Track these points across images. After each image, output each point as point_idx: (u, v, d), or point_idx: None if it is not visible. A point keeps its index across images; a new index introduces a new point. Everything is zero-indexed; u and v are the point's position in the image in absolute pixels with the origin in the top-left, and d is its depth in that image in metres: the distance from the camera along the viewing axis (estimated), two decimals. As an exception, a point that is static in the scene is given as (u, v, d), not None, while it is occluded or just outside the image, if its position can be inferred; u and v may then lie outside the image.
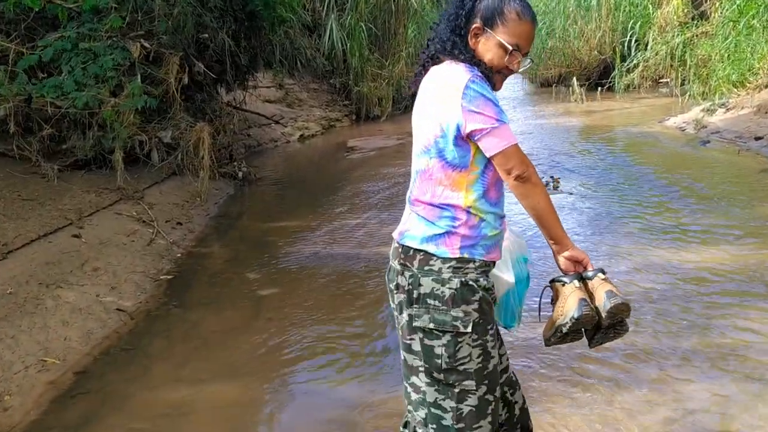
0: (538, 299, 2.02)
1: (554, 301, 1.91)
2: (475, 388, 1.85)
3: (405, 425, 2.11)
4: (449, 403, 1.86)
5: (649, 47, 14.76)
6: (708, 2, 13.68)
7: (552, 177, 7.45)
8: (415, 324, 1.86)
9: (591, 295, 1.85)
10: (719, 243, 5.05)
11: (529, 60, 1.94)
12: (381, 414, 3.01)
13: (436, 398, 1.88)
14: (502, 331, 2.14)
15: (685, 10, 14.56)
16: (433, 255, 1.83)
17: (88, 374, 3.50)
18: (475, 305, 1.82)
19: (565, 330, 1.84)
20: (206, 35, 7.34)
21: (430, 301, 1.83)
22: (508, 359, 2.14)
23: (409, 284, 1.86)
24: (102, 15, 6.26)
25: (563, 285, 1.87)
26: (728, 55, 10.75)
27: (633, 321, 3.78)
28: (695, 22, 13.71)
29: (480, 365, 1.85)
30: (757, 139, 8.48)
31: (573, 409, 2.96)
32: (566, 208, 6.37)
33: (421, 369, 1.90)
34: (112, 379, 3.47)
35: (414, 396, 1.95)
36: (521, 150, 1.82)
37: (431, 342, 1.85)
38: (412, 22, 14.38)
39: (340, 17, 13.45)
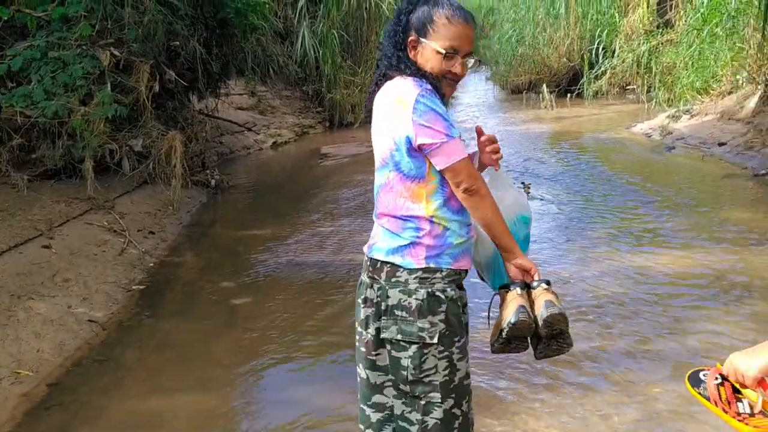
0: (488, 306, 2.03)
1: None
2: (440, 400, 1.85)
3: None
4: (415, 416, 1.87)
5: (616, 55, 15.05)
6: (672, 11, 14.00)
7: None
8: (383, 336, 1.87)
9: (533, 304, 1.87)
10: (685, 247, 5.18)
11: (473, 60, 1.95)
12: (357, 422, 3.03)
13: (403, 411, 1.89)
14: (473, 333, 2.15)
15: (651, 19, 14.87)
16: (400, 266, 1.86)
17: (61, 386, 3.46)
18: (442, 316, 1.84)
19: (504, 335, 1.85)
20: (177, 43, 7.31)
21: (398, 313, 1.84)
22: None
23: (377, 297, 1.88)
24: (71, 23, 6.20)
25: (507, 292, 1.90)
26: (692, 63, 11.01)
27: (606, 322, 3.89)
28: (660, 30, 14.01)
29: (446, 378, 1.85)
30: (721, 144, 8.70)
31: (544, 411, 3.02)
32: (537, 213, 6.47)
33: (388, 384, 1.90)
34: (85, 390, 3.44)
35: (375, 417, 1.94)
36: (470, 164, 1.85)
37: (398, 354, 1.86)
38: (384, 29, 14.43)
39: (312, 25, 13.47)
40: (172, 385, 3.50)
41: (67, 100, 5.82)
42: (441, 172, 1.83)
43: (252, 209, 7.61)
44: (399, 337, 1.85)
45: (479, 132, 2.04)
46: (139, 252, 5.39)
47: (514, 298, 1.86)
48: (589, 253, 5.19)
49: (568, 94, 15.70)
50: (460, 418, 1.89)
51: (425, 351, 1.83)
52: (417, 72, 1.86)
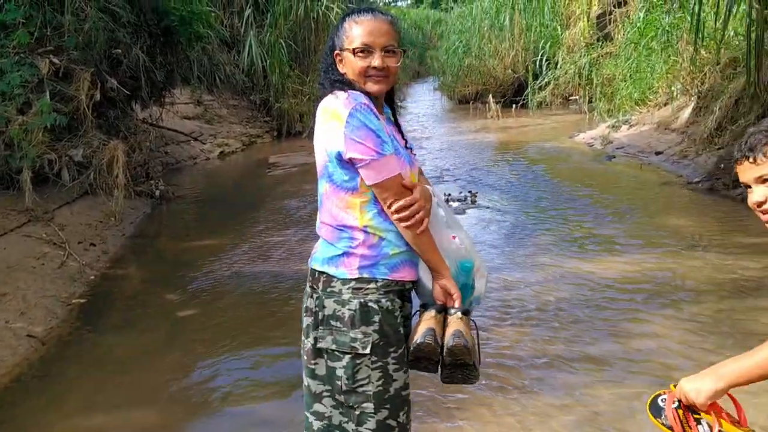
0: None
1: None
2: (373, 411, 1.84)
3: None
4: (351, 426, 1.87)
5: (559, 66, 15.45)
6: (611, 24, 14.47)
7: (470, 192, 7.68)
8: (319, 345, 1.87)
9: (445, 329, 1.87)
10: (625, 253, 5.35)
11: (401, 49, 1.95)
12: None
13: (341, 421, 1.89)
14: None
15: (591, 32, 15.33)
16: (334, 276, 1.86)
17: (-2, 404, 3.34)
18: (375, 326, 1.83)
19: (410, 354, 1.87)
20: (119, 51, 7.16)
21: (333, 323, 1.85)
22: None
23: (315, 306, 1.89)
24: (9, 30, 6.01)
25: (424, 311, 1.92)
26: (630, 75, 11.41)
27: (551, 327, 3.98)
28: (600, 43, 14.46)
29: (380, 388, 1.84)
30: (657, 153, 9.04)
31: (490, 415, 3.07)
32: (483, 221, 6.59)
33: (326, 393, 1.90)
34: (24, 407, 3.33)
35: (317, 425, 1.93)
36: (400, 182, 1.85)
37: (333, 363, 1.86)
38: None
39: (259, 33, 13.40)
40: (115, 401, 3.42)
41: (4, 110, 5.64)
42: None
43: (198, 220, 7.50)
44: (333, 347, 1.85)
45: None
46: (80, 265, 5.25)
47: (427, 319, 1.88)
48: (533, 259, 5.30)
49: (514, 105, 16.04)
50: (396, 429, 1.88)
51: (358, 361, 1.83)
52: (349, 84, 1.89)
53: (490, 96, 15.93)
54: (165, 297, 4.85)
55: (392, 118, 2.07)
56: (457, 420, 3.00)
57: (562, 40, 15.72)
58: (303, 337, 1.95)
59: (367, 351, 1.83)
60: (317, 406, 1.92)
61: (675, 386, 1.57)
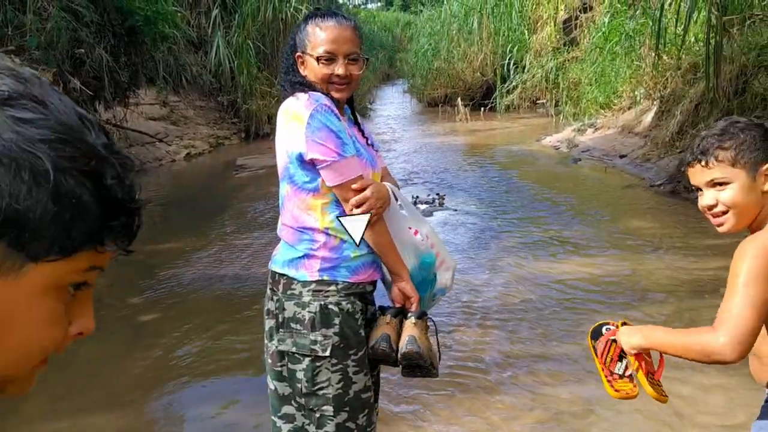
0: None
1: None
2: (333, 413, 1.84)
3: None
4: (312, 428, 1.87)
5: (526, 70, 15.65)
6: (577, 29, 14.71)
7: (438, 194, 7.72)
8: (280, 348, 1.87)
9: (401, 333, 1.89)
10: (588, 255, 5.44)
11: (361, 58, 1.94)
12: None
13: (303, 423, 1.88)
14: None
15: (558, 37, 15.56)
16: (294, 279, 1.86)
17: (-49, 413, 3.26)
18: (336, 329, 1.83)
19: (369, 356, 1.89)
20: (82, 50, 7.07)
21: (293, 325, 1.84)
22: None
23: (276, 309, 1.88)
24: (-34, 28, 5.90)
25: (381, 315, 1.93)
26: (596, 79, 11.61)
27: (514, 329, 4.03)
28: (566, 47, 14.69)
29: (339, 391, 1.84)
30: (621, 157, 9.20)
31: (452, 416, 3.09)
32: (450, 223, 6.63)
33: (293, 395, 1.89)
34: (-22, 416, 3.26)
35: (285, 428, 1.92)
36: (362, 184, 1.85)
37: (294, 366, 1.85)
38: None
39: (227, 34, 13.31)
40: (77, 406, 3.36)
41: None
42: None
43: (163, 222, 7.41)
44: (294, 349, 1.84)
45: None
46: (41, 268, 5.15)
47: (383, 324, 1.90)
48: (499, 261, 5.36)
49: (482, 108, 16.18)
50: (355, 431, 1.89)
51: (318, 364, 1.83)
52: (309, 86, 1.89)
53: (459, 99, 16.05)
54: (128, 301, 4.79)
55: (353, 118, 2.07)
56: (420, 420, 3.02)
57: (530, 44, 15.92)
58: (266, 341, 1.94)
59: (327, 353, 1.83)
60: (286, 408, 1.91)
61: (622, 324, 1.69)
